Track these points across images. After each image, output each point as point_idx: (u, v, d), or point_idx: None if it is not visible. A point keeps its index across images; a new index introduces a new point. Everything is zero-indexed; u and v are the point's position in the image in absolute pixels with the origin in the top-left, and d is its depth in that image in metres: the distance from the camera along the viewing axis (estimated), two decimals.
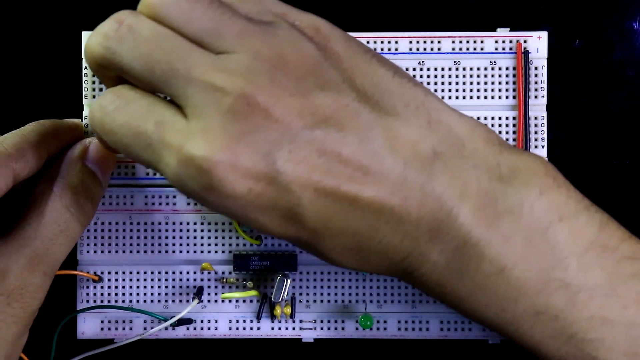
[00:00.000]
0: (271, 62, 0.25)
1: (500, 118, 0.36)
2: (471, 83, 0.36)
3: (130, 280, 0.35)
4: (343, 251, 0.26)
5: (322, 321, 0.36)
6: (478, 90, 0.36)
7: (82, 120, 0.35)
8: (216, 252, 0.36)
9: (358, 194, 0.25)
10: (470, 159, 0.26)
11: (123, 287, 0.35)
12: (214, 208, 0.26)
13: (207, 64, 0.25)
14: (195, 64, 0.25)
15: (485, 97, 0.36)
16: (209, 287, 0.36)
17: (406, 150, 0.26)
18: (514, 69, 0.35)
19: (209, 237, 0.36)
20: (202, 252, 0.36)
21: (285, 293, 0.35)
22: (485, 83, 0.36)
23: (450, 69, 0.36)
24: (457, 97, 0.36)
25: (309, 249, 0.27)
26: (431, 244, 0.26)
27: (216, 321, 0.36)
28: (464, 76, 0.36)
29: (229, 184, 0.24)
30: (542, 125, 0.36)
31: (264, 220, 0.25)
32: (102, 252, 0.35)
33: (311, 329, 0.36)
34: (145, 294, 0.35)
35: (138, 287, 0.35)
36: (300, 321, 0.36)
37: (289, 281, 0.35)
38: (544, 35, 0.35)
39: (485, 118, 0.36)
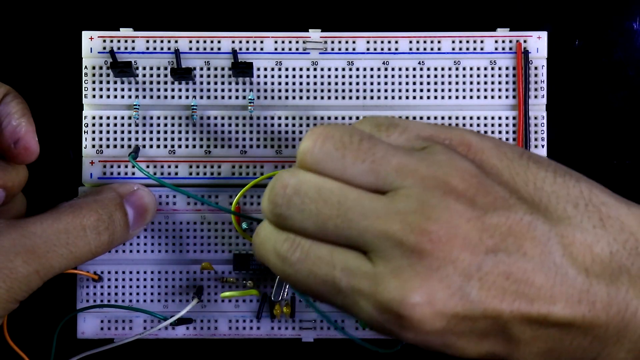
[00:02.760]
0: (439, 191, 0.25)
1: (500, 118, 0.36)
2: (471, 83, 0.36)
3: (130, 279, 0.35)
4: (536, 356, 0.26)
5: (322, 321, 0.36)
6: (478, 90, 0.36)
7: (82, 119, 0.35)
8: (216, 251, 0.36)
9: (549, 312, 0.25)
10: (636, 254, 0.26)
11: (123, 286, 0.35)
12: (412, 342, 0.26)
13: (378, 210, 0.25)
14: (366, 214, 0.25)
15: (485, 97, 0.36)
16: (208, 286, 0.36)
17: (585, 255, 0.25)
18: (514, 68, 0.35)
19: (209, 237, 0.36)
20: (202, 252, 0.36)
21: (285, 293, 0.35)
22: (485, 83, 0.36)
23: (450, 69, 0.36)
24: (457, 97, 0.36)
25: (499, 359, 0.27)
26: (619, 344, 0.26)
27: (216, 321, 0.36)
28: (464, 76, 0.36)
29: (427, 322, 0.24)
30: (542, 125, 0.36)
31: (461, 344, 0.26)
32: None
33: (311, 328, 0.36)
34: (145, 294, 0.35)
35: (138, 286, 0.35)
36: (300, 321, 0.36)
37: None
38: (544, 35, 0.35)
39: (485, 118, 0.36)
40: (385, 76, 0.36)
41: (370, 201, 0.25)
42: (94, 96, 0.35)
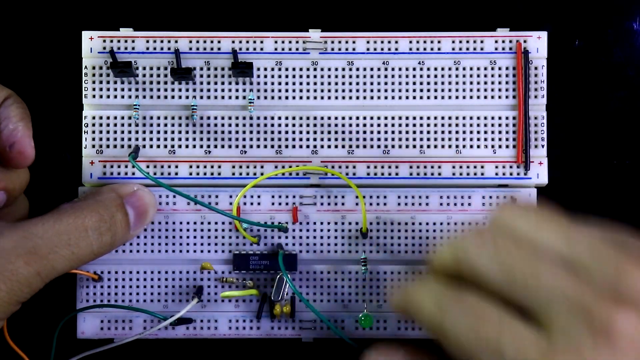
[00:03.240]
0: (633, 280, 0.23)
1: (500, 118, 0.36)
2: (471, 83, 0.36)
3: (130, 279, 0.35)
4: None
5: (321, 321, 0.36)
6: (478, 90, 0.36)
7: (82, 119, 0.35)
8: (216, 251, 0.36)
9: None
10: None
11: (123, 286, 0.35)
12: None
13: (572, 282, 0.24)
14: (558, 280, 0.24)
15: (485, 97, 0.36)
16: (208, 286, 0.36)
17: None
18: (514, 68, 0.35)
19: (209, 237, 0.36)
20: (202, 251, 0.36)
21: (285, 292, 0.35)
22: (485, 83, 0.36)
23: (450, 69, 0.36)
24: (457, 97, 0.36)
25: None
26: None
27: (216, 321, 0.36)
28: (464, 76, 0.36)
29: None
30: (542, 125, 0.36)
31: None
32: None
33: (311, 328, 0.36)
34: (145, 294, 0.35)
35: (138, 286, 0.35)
36: (300, 321, 0.36)
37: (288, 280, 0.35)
38: (543, 35, 0.35)
39: (485, 118, 0.36)
40: (385, 76, 0.36)
41: (558, 276, 0.24)
42: (94, 96, 0.35)
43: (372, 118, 0.36)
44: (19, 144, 0.31)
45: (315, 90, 0.36)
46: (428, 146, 0.36)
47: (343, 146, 0.36)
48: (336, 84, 0.36)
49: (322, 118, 0.36)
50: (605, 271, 0.24)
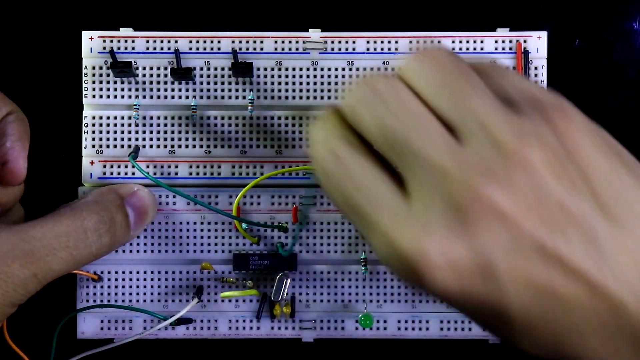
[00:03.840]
0: (511, 159, 0.23)
1: None
2: None
3: (130, 279, 0.35)
4: (537, 342, 0.25)
5: (322, 321, 0.36)
6: None
7: (82, 119, 0.35)
8: (216, 251, 0.36)
9: (575, 300, 0.24)
10: None
11: (123, 286, 0.35)
12: (424, 291, 0.24)
13: (443, 146, 0.23)
14: (431, 143, 0.23)
15: None
16: (208, 286, 0.36)
17: (632, 271, 0.24)
18: (514, 68, 0.35)
19: (209, 237, 0.36)
20: (201, 251, 0.36)
21: (285, 292, 0.35)
22: None
23: None
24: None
25: (500, 335, 0.26)
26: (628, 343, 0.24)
27: (216, 321, 0.36)
28: None
29: (441, 280, 0.23)
30: None
31: (475, 312, 0.24)
32: None
33: (311, 328, 0.36)
34: (145, 294, 0.35)
35: (138, 286, 0.35)
36: (300, 321, 0.36)
37: (288, 280, 0.35)
38: (543, 35, 0.35)
39: None
40: None
41: (440, 136, 0.24)
42: (94, 96, 0.35)
43: None
44: (11, 164, 0.31)
45: (315, 90, 0.36)
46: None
47: None
48: (336, 84, 0.36)
49: None
50: (482, 148, 0.23)
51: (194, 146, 0.35)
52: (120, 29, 0.35)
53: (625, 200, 0.25)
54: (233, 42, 0.35)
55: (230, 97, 0.35)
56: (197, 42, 0.35)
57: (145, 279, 0.36)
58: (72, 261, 0.31)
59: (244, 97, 0.35)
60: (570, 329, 0.25)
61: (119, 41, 0.35)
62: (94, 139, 0.35)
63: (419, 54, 0.25)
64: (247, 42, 0.35)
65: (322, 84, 0.36)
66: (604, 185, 0.24)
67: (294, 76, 0.36)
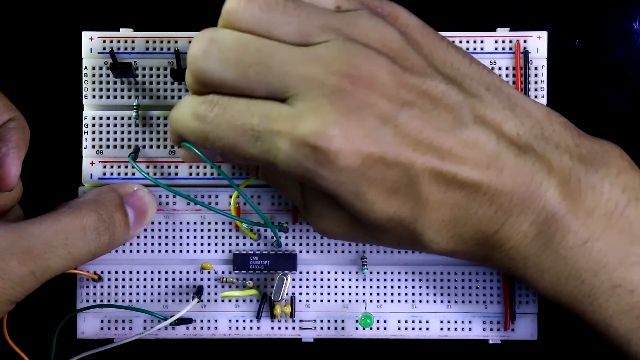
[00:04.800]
0: (361, 45, 0.26)
1: None
2: None
3: (130, 279, 0.36)
4: (440, 227, 0.28)
5: (322, 321, 0.36)
6: None
7: (82, 120, 0.35)
8: (216, 251, 0.36)
9: (458, 172, 0.26)
10: (551, 140, 0.28)
11: (123, 286, 0.35)
12: (326, 186, 0.26)
13: (299, 57, 0.26)
14: (287, 59, 0.26)
15: None
16: (208, 286, 0.36)
17: (494, 127, 0.27)
18: (514, 68, 0.35)
19: (209, 237, 0.36)
20: (201, 251, 0.36)
21: (285, 292, 0.35)
22: None
23: None
24: None
25: (402, 231, 0.28)
26: (523, 215, 0.27)
27: (216, 321, 0.36)
28: None
29: (343, 156, 0.25)
30: None
31: (372, 195, 0.26)
32: None
33: (311, 328, 0.36)
34: (145, 294, 0.36)
35: (138, 286, 0.36)
36: (300, 321, 0.36)
37: (288, 281, 0.35)
38: (543, 35, 0.35)
39: None
40: None
41: (290, 50, 0.26)
42: (94, 96, 0.35)
43: None
44: (3, 170, 0.31)
45: None
46: None
47: None
48: None
49: None
50: (338, 34, 0.26)
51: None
52: (120, 29, 0.35)
53: (461, 73, 0.29)
54: None
55: None
56: None
57: (145, 279, 0.36)
58: (70, 259, 0.31)
59: None
60: (467, 202, 0.27)
61: (118, 41, 0.35)
62: (94, 139, 0.35)
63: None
64: None
65: None
66: (442, 64, 0.28)
67: None
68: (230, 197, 0.35)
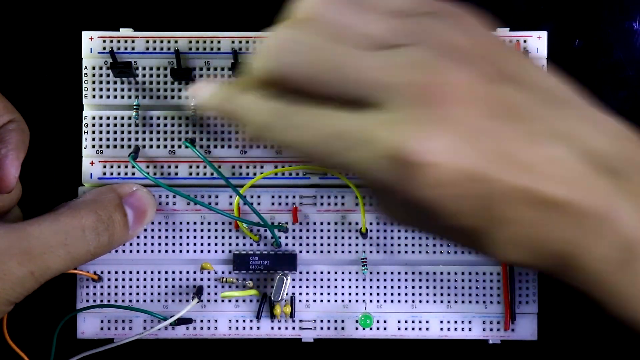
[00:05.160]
0: (445, 49, 0.24)
1: None
2: None
3: (130, 279, 0.35)
4: (513, 242, 0.26)
5: (322, 321, 0.36)
6: None
7: (82, 119, 0.35)
8: (216, 251, 0.36)
9: (542, 189, 0.25)
10: (633, 162, 0.26)
11: (123, 286, 0.35)
12: (411, 199, 0.25)
13: (382, 62, 0.24)
14: (371, 64, 0.24)
15: None
16: (208, 286, 0.36)
17: (582, 147, 0.26)
18: None
19: (209, 237, 0.36)
20: (201, 251, 0.36)
21: (285, 293, 0.35)
22: None
23: None
24: None
25: (474, 241, 0.26)
26: (602, 239, 0.26)
27: (216, 321, 0.36)
28: None
29: (433, 171, 0.24)
30: None
31: (453, 208, 0.25)
32: None
33: (311, 328, 0.36)
34: (145, 294, 0.35)
35: (138, 286, 0.36)
36: (300, 321, 0.36)
37: (288, 281, 0.35)
38: (543, 35, 0.35)
39: None
40: None
41: (373, 55, 0.24)
42: (94, 96, 0.35)
43: None
44: (1, 172, 0.31)
45: None
46: None
47: None
48: None
49: None
50: (417, 49, 0.24)
51: (194, 146, 0.35)
52: (120, 29, 0.35)
53: (553, 90, 0.27)
54: (233, 42, 0.35)
55: None
56: (197, 42, 0.35)
57: (145, 279, 0.36)
58: (69, 259, 0.31)
59: None
60: (545, 221, 0.25)
61: (119, 41, 0.35)
62: (94, 139, 0.35)
63: None
64: (247, 42, 0.35)
65: None
66: (531, 79, 0.26)
67: None
68: (231, 197, 0.35)
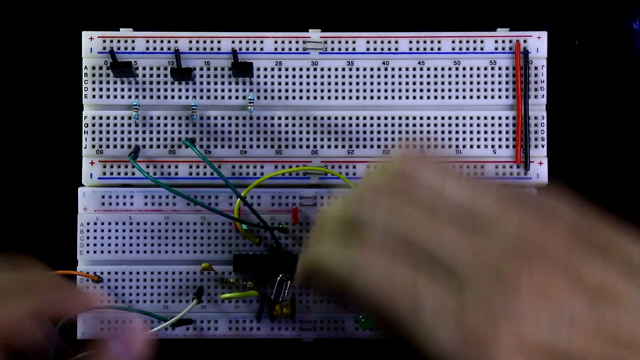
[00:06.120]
0: (539, 236, 0.24)
1: (500, 118, 0.36)
2: (471, 83, 0.36)
3: (130, 280, 0.35)
4: None
5: (321, 321, 0.36)
6: (478, 90, 0.36)
7: (82, 119, 0.35)
8: (216, 252, 0.36)
9: None
10: None
11: (123, 287, 0.35)
12: None
13: (473, 241, 0.24)
14: (461, 243, 0.24)
15: (485, 97, 0.36)
16: (208, 287, 0.36)
17: None
18: (514, 68, 0.35)
19: (209, 238, 0.35)
20: (202, 252, 0.35)
21: (285, 293, 0.35)
22: (485, 83, 0.36)
23: (450, 69, 0.36)
24: (457, 97, 0.36)
25: None
26: None
27: (216, 321, 0.36)
28: (463, 76, 0.36)
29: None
30: (542, 125, 0.36)
31: None
32: (102, 252, 0.35)
33: (311, 329, 0.36)
34: (145, 294, 0.35)
35: (138, 287, 0.35)
36: (300, 321, 0.36)
37: (289, 282, 0.35)
38: (543, 35, 0.35)
39: (485, 118, 0.36)
40: (385, 76, 0.36)
41: (463, 232, 0.24)
42: (94, 96, 0.35)
43: (372, 118, 0.35)
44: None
45: (315, 90, 0.36)
46: (428, 146, 0.36)
47: (343, 146, 0.36)
48: (336, 84, 0.36)
49: (322, 118, 0.35)
50: (509, 227, 0.24)
51: (194, 146, 0.35)
52: (120, 29, 0.35)
53: (631, 257, 0.25)
54: (233, 42, 0.35)
55: (230, 97, 0.35)
56: (197, 42, 0.35)
57: (145, 280, 0.35)
58: None
59: (244, 97, 0.35)
60: None
61: (119, 41, 0.35)
62: (94, 139, 0.35)
63: (411, 159, 0.25)
64: (247, 42, 0.35)
65: (322, 84, 0.36)
66: (615, 255, 0.25)
67: (294, 76, 0.36)
68: (231, 197, 0.35)
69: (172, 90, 0.35)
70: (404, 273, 0.24)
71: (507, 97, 0.36)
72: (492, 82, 0.36)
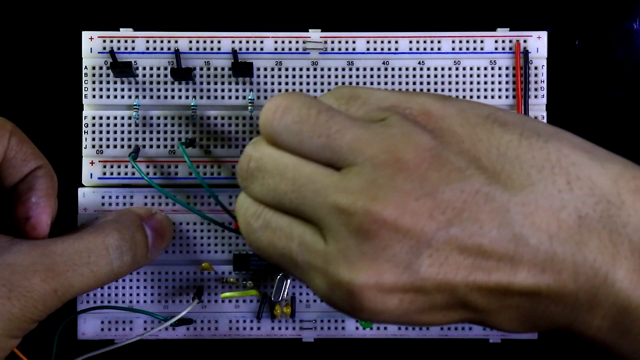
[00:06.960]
0: (390, 168, 0.24)
1: None
2: (471, 83, 0.36)
3: (130, 280, 0.35)
4: (511, 322, 0.26)
5: (322, 321, 0.36)
6: (478, 90, 0.36)
7: (83, 119, 0.35)
8: (216, 252, 0.36)
9: (510, 283, 0.24)
10: (618, 217, 0.25)
11: (123, 287, 0.35)
12: (370, 321, 0.26)
13: (330, 186, 0.25)
14: (318, 191, 0.25)
15: (485, 97, 0.36)
16: (209, 287, 0.36)
17: (550, 223, 0.24)
18: (514, 68, 0.35)
19: (209, 237, 0.36)
20: (202, 252, 0.36)
21: (285, 293, 0.35)
22: (485, 83, 0.36)
23: (450, 69, 0.36)
24: (456, 97, 0.36)
25: (476, 324, 0.27)
26: (592, 311, 0.25)
27: (216, 321, 0.36)
28: (463, 76, 0.36)
29: (378, 303, 0.24)
30: None
31: (427, 319, 0.25)
32: None
33: (311, 328, 0.36)
34: (145, 294, 0.35)
35: (138, 287, 0.35)
36: (301, 321, 0.36)
37: (289, 281, 0.35)
38: (543, 35, 0.35)
39: None
40: (385, 76, 0.36)
41: (323, 178, 0.25)
42: (94, 96, 0.35)
43: None
44: (34, 219, 0.30)
45: (315, 90, 0.36)
46: None
47: None
48: (336, 84, 0.36)
49: None
50: (364, 168, 0.25)
51: (194, 146, 0.35)
52: (120, 29, 0.35)
53: (510, 158, 0.25)
54: (233, 42, 0.35)
55: (230, 97, 0.35)
56: (197, 42, 0.35)
57: (145, 280, 0.35)
58: (92, 278, 0.30)
59: (244, 97, 0.35)
60: (531, 305, 0.25)
61: (119, 41, 0.35)
62: (94, 139, 0.35)
63: (272, 107, 0.27)
64: (247, 42, 0.35)
65: (322, 84, 0.36)
66: (486, 155, 0.25)
67: (294, 76, 0.36)
68: (231, 197, 0.35)
69: (172, 90, 0.35)
70: (280, 240, 0.26)
71: (507, 97, 0.36)
72: (492, 82, 0.36)
